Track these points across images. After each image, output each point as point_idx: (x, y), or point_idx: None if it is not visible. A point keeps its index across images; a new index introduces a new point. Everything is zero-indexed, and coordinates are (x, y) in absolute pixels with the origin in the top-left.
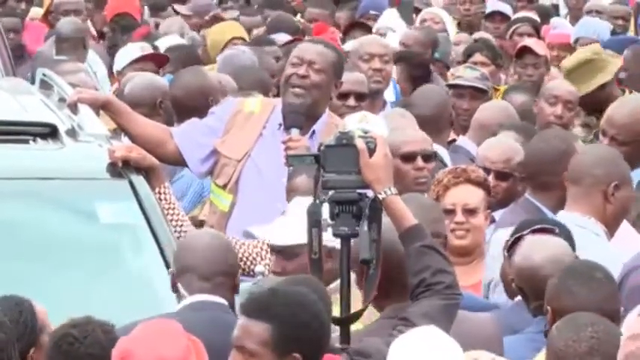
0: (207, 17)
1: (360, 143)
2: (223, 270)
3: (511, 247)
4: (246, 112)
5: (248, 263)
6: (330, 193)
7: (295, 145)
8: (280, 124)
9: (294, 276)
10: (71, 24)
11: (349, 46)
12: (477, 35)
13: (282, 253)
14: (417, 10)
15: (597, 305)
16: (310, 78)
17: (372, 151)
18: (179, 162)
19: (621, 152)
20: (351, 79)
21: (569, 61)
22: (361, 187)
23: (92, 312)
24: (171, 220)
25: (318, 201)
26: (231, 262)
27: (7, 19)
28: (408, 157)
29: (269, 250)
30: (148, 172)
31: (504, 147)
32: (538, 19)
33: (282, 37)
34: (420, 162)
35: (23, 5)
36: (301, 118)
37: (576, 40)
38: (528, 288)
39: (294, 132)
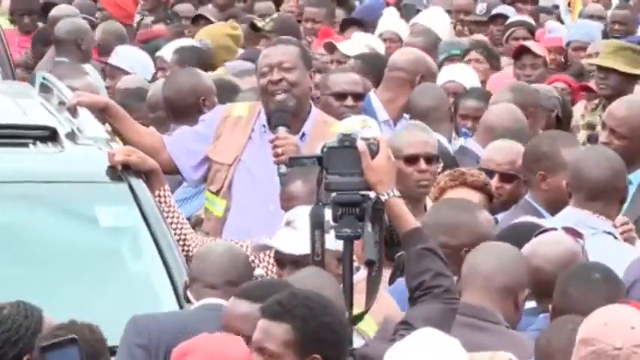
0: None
1: (362, 145)
2: (229, 280)
3: None
4: (235, 117)
5: None
6: (333, 194)
7: (283, 143)
8: (264, 126)
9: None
10: (67, 25)
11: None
12: (474, 37)
13: (296, 263)
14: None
15: (593, 306)
16: (286, 79)
17: (374, 153)
18: (172, 170)
19: (620, 147)
20: (347, 79)
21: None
22: (364, 188)
23: (92, 315)
24: (171, 223)
25: (320, 203)
26: (240, 273)
27: None
28: (411, 160)
29: (276, 263)
30: (148, 176)
31: (509, 149)
32: (533, 23)
33: None
34: (422, 164)
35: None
36: (288, 115)
37: (568, 44)
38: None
39: (281, 130)
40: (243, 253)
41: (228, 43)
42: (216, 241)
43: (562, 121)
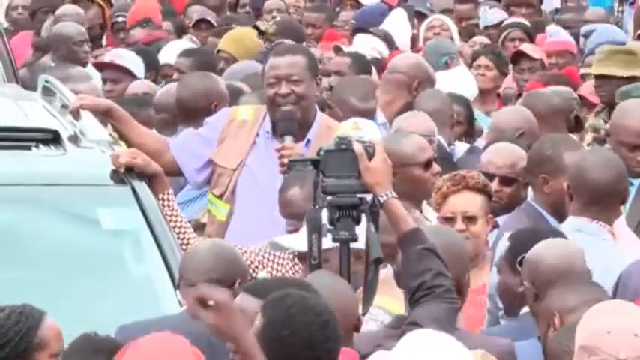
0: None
1: (358, 148)
2: (210, 278)
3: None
4: (239, 121)
5: (250, 270)
6: (330, 198)
7: (289, 153)
8: (268, 132)
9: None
10: (63, 28)
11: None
12: (476, 39)
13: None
14: (418, 14)
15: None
16: (294, 92)
17: (371, 156)
18: (176, 173)
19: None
20: None
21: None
22: (361, 191)
23: (94, 318)
24: (174, 227)
25: (317, 206)
26: (224, 271)
27: None
28: (428, 165)
29: (299, 259)
30: (151, 179)
31: (510, 152)
32: (528, 24)
33: None
34: (435, 167)
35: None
36: (293, 124)
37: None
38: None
39: (287, 139)
40: (232, 250)
41: (250, 46)
42: (205, 239)
43: (578, 123)
